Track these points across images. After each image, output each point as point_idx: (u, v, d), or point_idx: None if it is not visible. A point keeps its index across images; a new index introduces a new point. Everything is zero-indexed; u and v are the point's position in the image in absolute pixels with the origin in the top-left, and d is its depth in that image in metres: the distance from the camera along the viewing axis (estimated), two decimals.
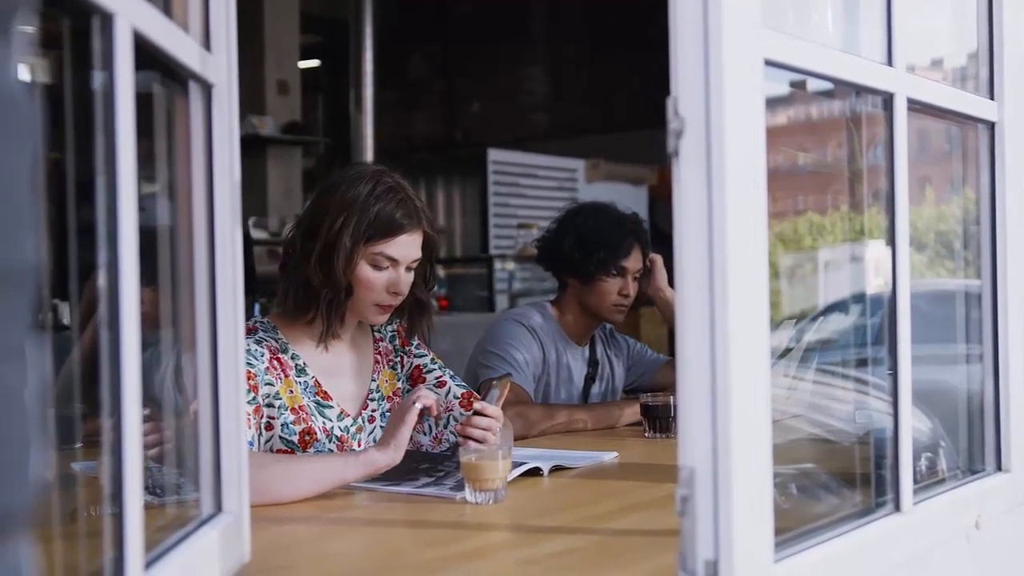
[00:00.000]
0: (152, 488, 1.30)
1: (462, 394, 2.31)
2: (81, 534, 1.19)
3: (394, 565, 1.50)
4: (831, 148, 2.00)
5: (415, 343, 2.38)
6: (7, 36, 0.58)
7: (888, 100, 1.48)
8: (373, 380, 2.30)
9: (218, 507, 1.34)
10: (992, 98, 1.76)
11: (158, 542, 1.16)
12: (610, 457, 2.30)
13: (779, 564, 1.22)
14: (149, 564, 1.06)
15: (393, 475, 2.03)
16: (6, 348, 0.56)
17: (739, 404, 1.14)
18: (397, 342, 2.37)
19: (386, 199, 2.13)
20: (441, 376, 2.35)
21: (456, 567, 1.48)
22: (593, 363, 3.09)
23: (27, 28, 0.61)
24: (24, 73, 0.60)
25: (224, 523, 1.32)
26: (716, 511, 1.14)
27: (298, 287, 2.15)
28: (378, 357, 2.33)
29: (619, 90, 9.18)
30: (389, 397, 2.32)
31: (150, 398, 1.13)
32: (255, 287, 5.37)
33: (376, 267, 2.14)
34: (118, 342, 0.98)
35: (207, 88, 1.32)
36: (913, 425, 1.53)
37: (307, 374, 2.19)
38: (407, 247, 2.16)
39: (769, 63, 1.22)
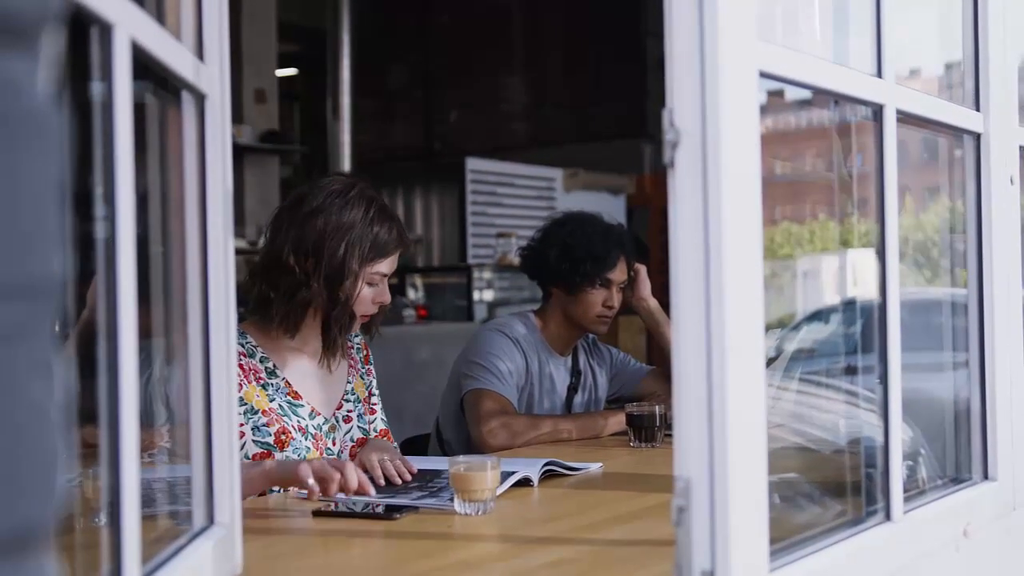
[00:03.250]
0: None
1: (381, 430, 2.42)
2: (72, 546, 1.18)
3: None
4: (809, 157, 2.01)
5: (371, 363, 2.48)
6: (34, 51, 0.58)
7: (878, 111, 1.48)
8: (348, 382, 2.37)
9: (210, 519, 1.33)
10: (978, 109, 1.77)
11: (152, 555, 1.15)
12: (596, 467, 2.30)
13: (774, 573, 1.22)
14: None
15: (387, 490, 2.02)
16: (34, 362, 0.56)
17: (736, 414, 1.14)
18: (361, 356, 2.46)
19: (380, 221, 2.23)
20: (376, 405, 2.45)
21: None
22: (576, 373, 3.09)
23: (54, 43, 0.61)
24: (51, 87, 0.60)
25: (217, 535, 1.31)
26: (712, 521, 1.14)
27: (299, 307, 2.20)
28: (352, 362, 2.41)
29: (597, 100, 9.20)
30: (364, 400, 2.40)
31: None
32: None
33: (370, 284, 2.24)
34: (115, 353, 0.97)
35: (200, 98, 1.31)
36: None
37: (278, 376, 2.24)
38: (395, 262, 2.28)
39: (764, 74, 1.22)
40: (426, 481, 2.09)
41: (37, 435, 0.55)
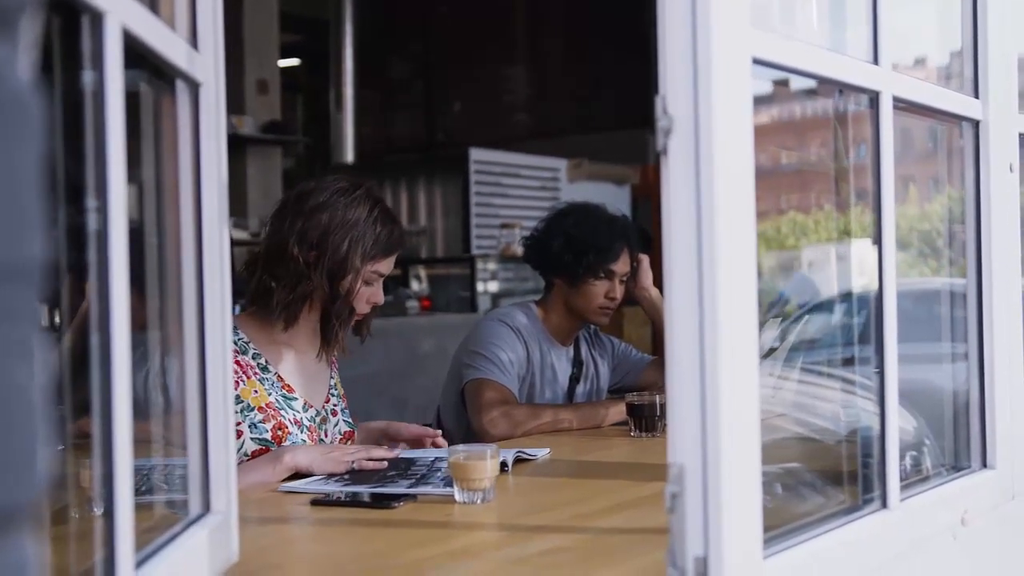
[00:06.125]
0: (138, 488, 1.29)
1: (346, 432, 2.39)
2: (65, 535, 1.18)
3: (383, 565, 1.50)
4: (813, 147, 2.01)
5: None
6: (13, 35, 0.58)
7: (874, 98, 1.48)
8: (332, 377, 2.41)
9: (206, 507, 1.33)
10: (976, 96, 1.77)
11: (146, 542, 1.15)
12: (543, 453, 2.31)
13: (768, 560, 1.22)
14: (139, 564, 1.06)
15: (376, 480, 2.01)
16: (15, 345, 0.56)
17: (728, 401, 1.14)
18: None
19: (383, 222, 2.25)
20: (344, 405, 2.44)
21: (446, 566, 1.48)
22: (578, 363, 3.09)
23: (33, 27, 0.61)
24: (29, 71, 0.60)
25: (213, 523, 1.31)
26: (706, 508, 1.14)
27: (299, 299, 2.22)
28: (333, 359, 2.43)
29: (601, 90, 9.19)
30: (343, 396, 2.43)
31: (135, 400, 1.13)
32: (234, 288, 5.37)
33: (367, 283, 2.26)
34: (108, 344, 0.97)
35: (194, 87, 1.31)
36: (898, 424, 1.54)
37: (270, 371, 2.25)
38: (392, 263, 2.31)
39: (757, 61, 1.22)
40: (404, 469, 2.09)
41: (18, 417, 0.56)
